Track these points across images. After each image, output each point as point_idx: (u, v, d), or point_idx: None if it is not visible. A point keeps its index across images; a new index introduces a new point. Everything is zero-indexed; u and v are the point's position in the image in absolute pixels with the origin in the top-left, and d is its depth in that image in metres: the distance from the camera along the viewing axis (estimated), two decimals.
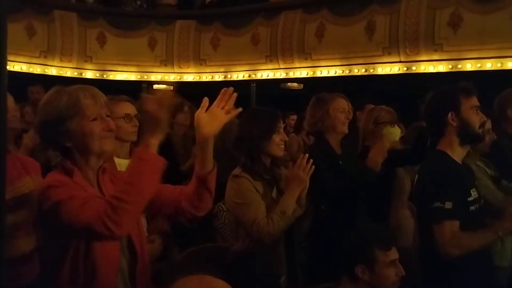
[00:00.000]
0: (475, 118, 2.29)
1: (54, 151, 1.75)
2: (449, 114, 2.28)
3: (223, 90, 1.78)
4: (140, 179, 1.52)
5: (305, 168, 2.45)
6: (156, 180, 1.57)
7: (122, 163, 2.62)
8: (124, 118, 2.66)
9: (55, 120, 1.65)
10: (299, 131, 5.85)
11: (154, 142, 1.57)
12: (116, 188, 1.57)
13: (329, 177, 2.81)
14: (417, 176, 2.50)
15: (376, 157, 3.07)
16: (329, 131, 3.03)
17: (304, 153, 2.58)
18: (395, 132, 3.42)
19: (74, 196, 1.56)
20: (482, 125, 2.32)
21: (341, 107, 3.05)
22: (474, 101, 2.32)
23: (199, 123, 1.75)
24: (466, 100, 2.29)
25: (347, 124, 3.06)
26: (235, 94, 1.79)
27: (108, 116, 1.73)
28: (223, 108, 1.76)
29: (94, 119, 1.67)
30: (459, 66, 6.32)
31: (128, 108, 2.71)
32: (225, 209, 3.03)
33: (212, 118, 1.73)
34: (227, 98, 1.78)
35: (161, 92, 1.61)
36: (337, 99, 3.07)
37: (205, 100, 1.77)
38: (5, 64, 0.80)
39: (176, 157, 5.12)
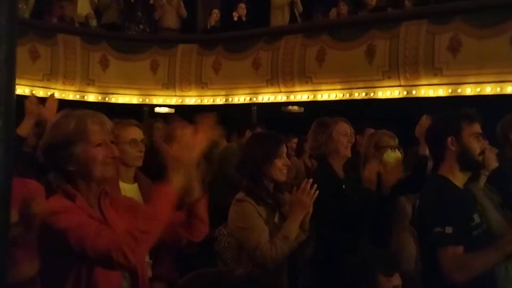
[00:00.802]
0: (476, 145, 2.28)
1: (56, 174, 1.76)
2: (449, 139, 2.28)
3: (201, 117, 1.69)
4: (161, 213, 1.58)
5: (308, 193, 2.45)
6: (170, 216, 1.62)
7: (126, 188, 2.61)
8: (130, 143, 2.64)
9: (61, 144, 1.67)
10: (301, 155, 5.83)
11: (177, 181, 1.60)
12: (139, 219, 1.60)
13: (333, 201, 2.81)
14: (418, 200, 2.49)
15: (370, 176, 3.08)
16: (332, 155, 3.03)
17: (307, 177, 2.57)
18: (396, 157, 3.42)
19: (84, 224, 1.57)
20: (482, 152, 2.32)
21: (344, 130, 3.06)
22: (477, 127, 2.32)
23: (176, 159, 1.65)
24: (468, 126, 2.29)
25: (349, 147, 3.07)
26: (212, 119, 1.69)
27: (113, 142, 1.74)
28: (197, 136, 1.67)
29: (99, 145, 1.69)
30: (459, 90, 6.38)
31: (135, 133, 2.70)
32: (226, 233, 3.01)
33: (187, 149, 1.64)
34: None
35: (189, 134, 1.61)
36: (339, 122, 3.08)
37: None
38: (14, 90, 0.82)
39: None
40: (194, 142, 1.60)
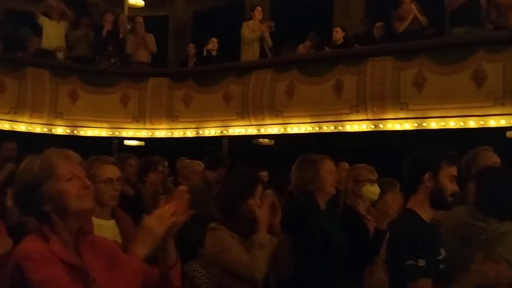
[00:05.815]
0: (449, 186, 2.38)
1: (30, 217, 1.73)
2: (427, 174, 2.36)
3: (178, 192, 1.79)
4: (122, 283, 1.60)
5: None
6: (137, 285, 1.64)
7: (102, 224, 2.56)
8: (105, 182, 2.59)
9: (30, 185, 1.64)
10: (281, 190, 5.50)
11: (143, 252, 1.64)
12: (105, 285, 1.62)
13: (314, 233, 2.87)
14: (388, 234, 2.53)
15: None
16: (318, 192, 3.04)
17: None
18: (375, 191, 3.44)
19: (54, 279, 1.54)
20: (452, 195, 2.41)
21: (330, 168, 3.08)
22: (454, 170, 2.42)
23: (148, 230, 1.70)
24: (448, 167, 2.39)
25: (334, 185, 3.11)
26: (187, 196, 1.82)
27: (84, 174, 1.72)
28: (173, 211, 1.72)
29: (69, 180, 1.66)
30: (424, 124, 6.55)
31: (111, 171, 2.65)
32: (199, 269, 2.95)
33: (160, 222, 1.70)
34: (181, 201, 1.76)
35: (164, 209, 1.68)
36: (325, 160, 3.10)
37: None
38: None
39: (146, 213, 5.05)
40: (168, 217, 1.67)
